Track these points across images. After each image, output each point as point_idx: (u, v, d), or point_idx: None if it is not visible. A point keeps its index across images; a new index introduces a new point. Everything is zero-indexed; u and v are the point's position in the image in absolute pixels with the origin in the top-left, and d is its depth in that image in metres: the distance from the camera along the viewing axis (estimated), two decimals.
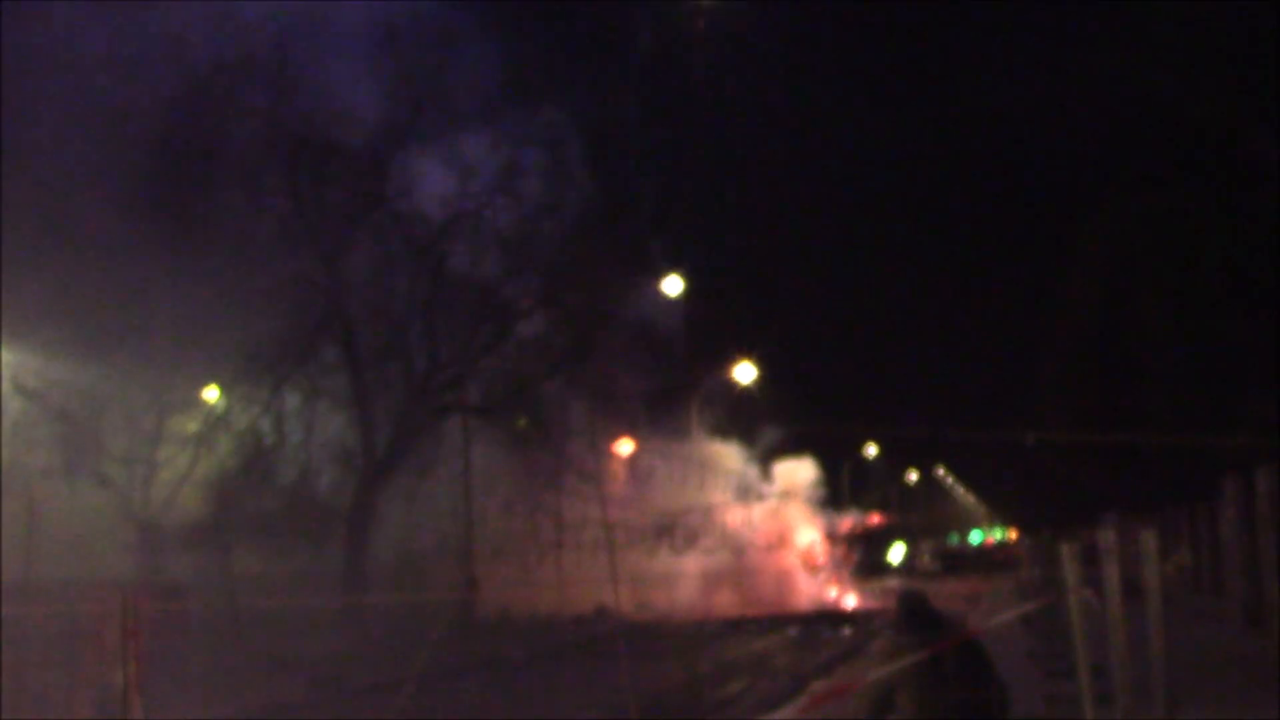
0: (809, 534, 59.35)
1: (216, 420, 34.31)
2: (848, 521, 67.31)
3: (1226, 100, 22.55)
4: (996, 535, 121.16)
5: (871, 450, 79.00)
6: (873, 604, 47.77)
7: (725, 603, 45.76)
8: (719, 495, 56.48)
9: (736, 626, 38.80)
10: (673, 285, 48.68)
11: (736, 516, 56.65)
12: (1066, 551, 8.50)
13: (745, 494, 58.05)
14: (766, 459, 58.45)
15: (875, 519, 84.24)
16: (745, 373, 56.46)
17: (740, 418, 56.30)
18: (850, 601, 49.36)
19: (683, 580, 48.40)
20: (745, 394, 56.63)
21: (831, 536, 61.34)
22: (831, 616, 41.06)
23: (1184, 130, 23.98)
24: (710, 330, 52.13)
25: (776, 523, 57.44)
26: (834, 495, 64.16)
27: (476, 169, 36.99)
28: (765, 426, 58.13)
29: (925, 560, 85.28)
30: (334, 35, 35.73)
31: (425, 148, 36.27)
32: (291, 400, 35.45)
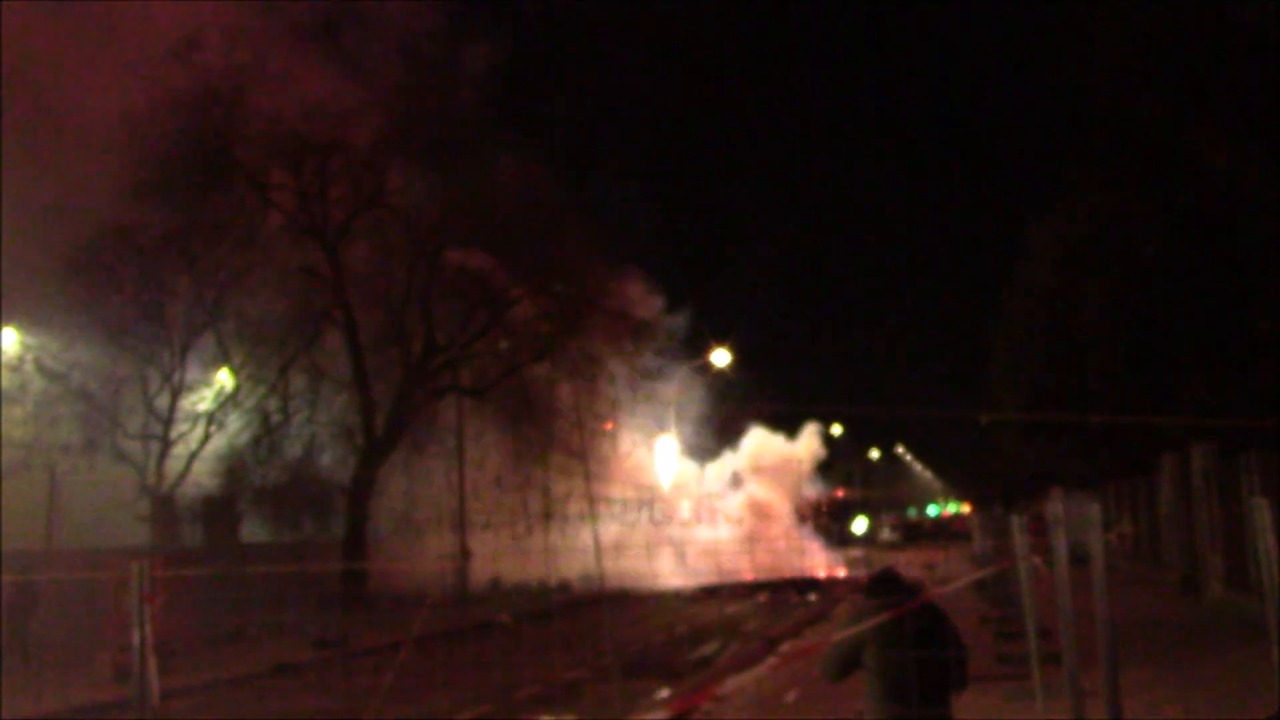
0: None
1: (227, 400, 34.23)
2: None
3: (1167, 106, 22.63)
4: (951, 509, 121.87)
5: (837, 429, 79.15)
6: (837, 572, 47.98)
7: (700, 570, 45.84)
8: (694, 472, 56.65)
9: (711, 593, 38.90)
10: (656, 276, 48.82)
11: (711, 491, 56.81)
12: (1016, 522, 8.54)
13: (721, 472, 58.25)
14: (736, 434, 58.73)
15: (840, 493, 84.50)
16: (721, 357, 56.56)
17: (717, 398, 56.41)
18: (818, 569, 49.46)
19: (661, 550, 48.48)
20: (721, 375, 56.74)
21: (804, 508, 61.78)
22: (799, 583, 41.17)
23: (1128, 134, 24.05)
24: (689, 316, 52.20)
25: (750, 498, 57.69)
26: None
27: (468, 166, 36.96)
28: (740, 406, 58.20)
29: (886, 532, 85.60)
30: (338, 42, 35.61)
31: (422, 147, 36.14)
32: (297, 381, 35.38)
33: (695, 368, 54.10)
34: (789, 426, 62.12)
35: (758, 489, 59.05)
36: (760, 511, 57.46)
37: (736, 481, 59.68)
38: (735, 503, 57.96)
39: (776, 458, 60.70)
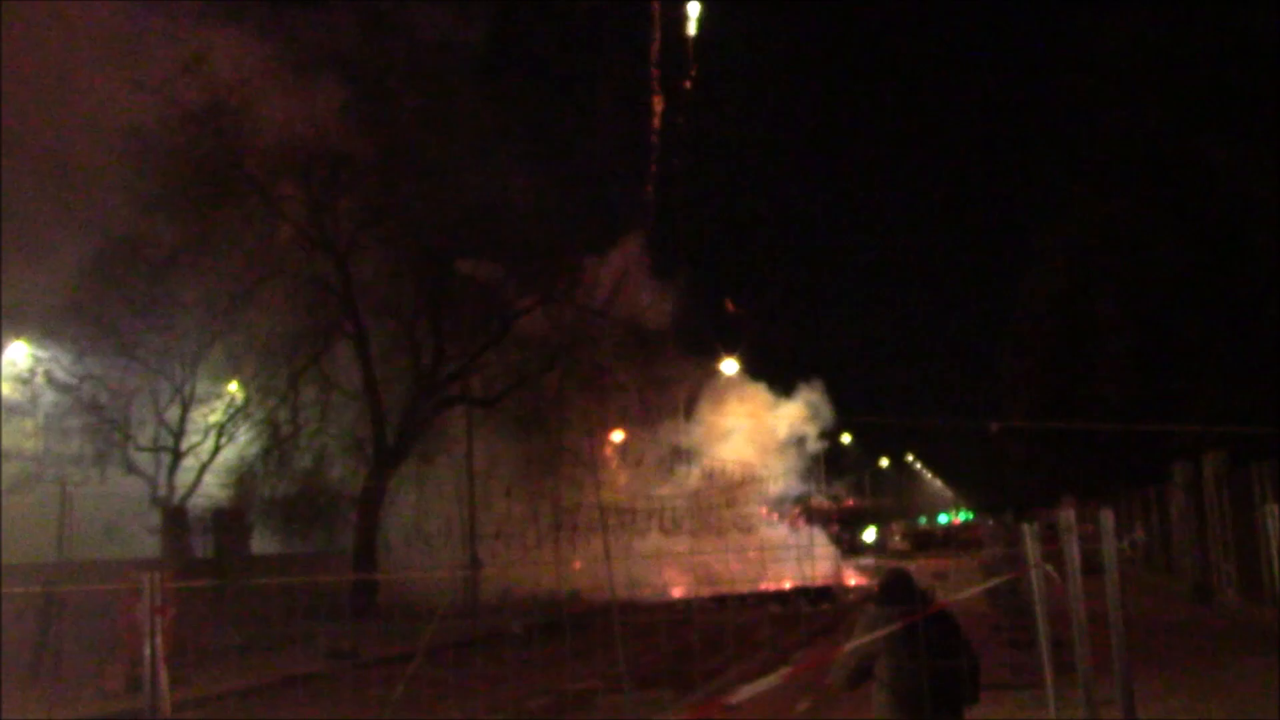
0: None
1: (237, 411, 34.26)
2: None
3: (1177, 115, 22.61)
4: (962, 517, 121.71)
5: (846, 438, 78.77)
6: (849, 580, 47.84)
7: (711, 579, 45.67)
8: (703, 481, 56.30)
9: (722, 602, 38.76)
10: (664, 282, 48.77)
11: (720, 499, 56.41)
12: (1028, 530, 8.51)
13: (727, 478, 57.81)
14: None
15: (850, 502, 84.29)
16: (729, 366, 56.49)
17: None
18: (829, 577, 49.24)
19: (672, 559, 48.34)
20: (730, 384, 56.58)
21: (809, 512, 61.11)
22: (811, 592, 41.04)
23: (1137, 141, 24.03)
24: (698, 326, 52.13)
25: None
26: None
27: (478, 176, 37.03)
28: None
29: (896, 540, 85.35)
30: (347, 53, 35.69)
31: (431, 157, 36.20)
32: (307, 393, 35.40)
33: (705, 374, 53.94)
34: (780, 384, 57.79)
35: (724, 458, 55.44)
36: (727, 493, 54.22)
37: (679, 455, 53.54)
38: (681, 485, 53.48)
39: (750, 416, 56.50)
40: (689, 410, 53.28)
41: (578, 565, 39.12)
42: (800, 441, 58.72)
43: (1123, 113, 24.06)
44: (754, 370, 57.79)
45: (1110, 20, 23.61)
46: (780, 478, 57.40)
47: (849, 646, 6.47)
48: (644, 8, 60.21)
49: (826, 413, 58.60)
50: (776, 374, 58.40)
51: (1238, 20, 21.58)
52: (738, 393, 56.34)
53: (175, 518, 32.47)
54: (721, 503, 55.37)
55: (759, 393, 57.29)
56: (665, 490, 52.53)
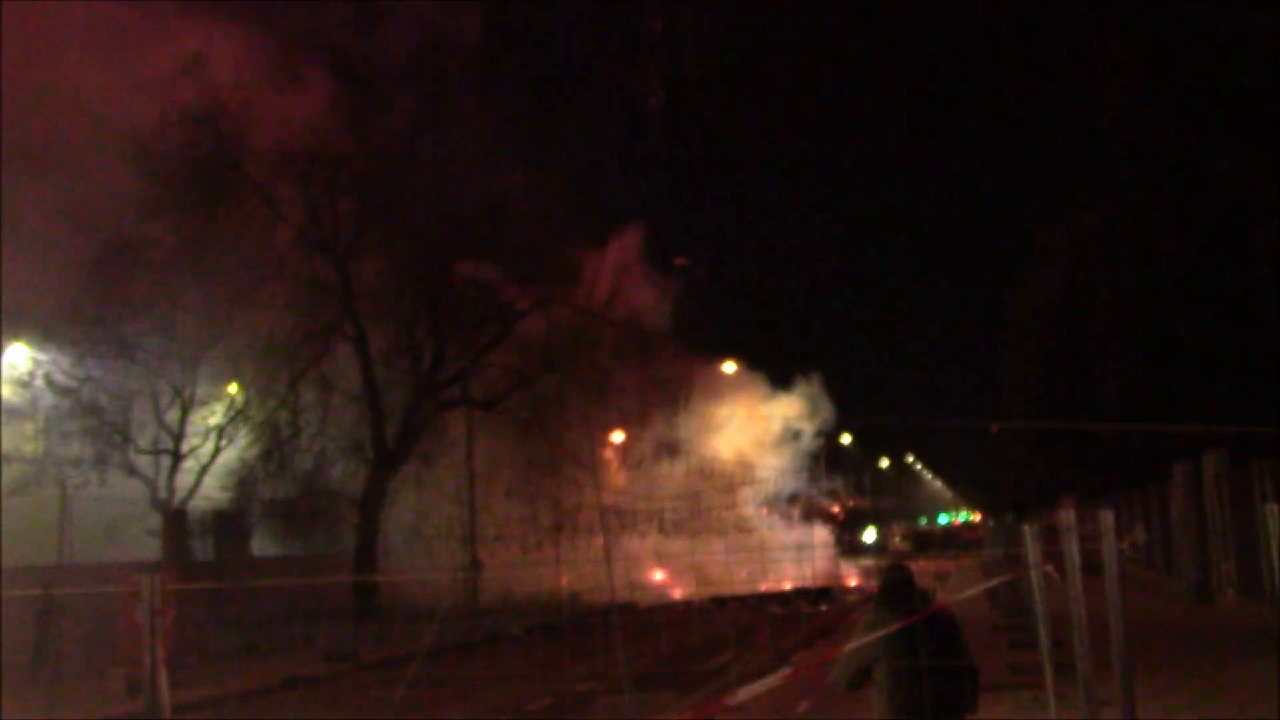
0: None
1: (237, 413, 34.24)
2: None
3: (1178, 113, 22.61)
4: (962, 518, 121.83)
5: (846, 439, 78.61)
6: (849, 581, 47.87)
7: (711, 580, 45.71)
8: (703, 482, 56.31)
9: (722, 603, 38.79)
10: (665, 282, 48.85)
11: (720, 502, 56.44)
12: (1028, 531, 8.51)
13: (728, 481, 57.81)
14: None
15: (850, 502, 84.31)
16: (729, 368, 56.53)
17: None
18: (829, 578, 49.26)
19: (671, 560, 48.38)
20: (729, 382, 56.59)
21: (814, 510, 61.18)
22: (811, 593, 41.06)
23: (1138, 141, 24.03)
24: (699, 326, 52.09)
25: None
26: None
27: (477, 181, 37.04)
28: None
29: (897, 541, 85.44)
30: (348, 54, 35.69)
31: (431, 159, 36.22)
32: (307, 395, 35.37)
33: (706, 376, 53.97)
34: (779, 378, 57.85)
35: (722, 456, 55.97)
36: (727, 494, 54.16)
37: (678, 451, 53.66)
38: (680, 485, 53.88)
39: (746, 409, 56.66)
40: (685, 401, 53.34)
41: (565, 580, 39.11)
42: (797, 436, 58.91)
43: (1124, 113, 24.06)
44: (752, 363, 57.97)
45: (1113, 20, 23.61)
46: (779, 475, 57.56)
47: (848, 647, 6.48)
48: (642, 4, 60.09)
49: (825, 408, 58.83)
50: (775, 367, 58.50)
51: (1240, 21, 21.58)
52: (735, 385, 56.53)
53: (176, 520, 32.44)
54: (721, 505, 55.47)
55: (757, 385, 57.53)
56: (665, 491, 52.61)
